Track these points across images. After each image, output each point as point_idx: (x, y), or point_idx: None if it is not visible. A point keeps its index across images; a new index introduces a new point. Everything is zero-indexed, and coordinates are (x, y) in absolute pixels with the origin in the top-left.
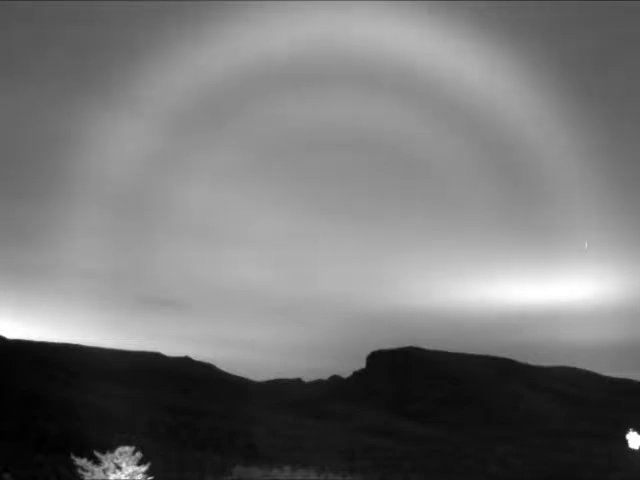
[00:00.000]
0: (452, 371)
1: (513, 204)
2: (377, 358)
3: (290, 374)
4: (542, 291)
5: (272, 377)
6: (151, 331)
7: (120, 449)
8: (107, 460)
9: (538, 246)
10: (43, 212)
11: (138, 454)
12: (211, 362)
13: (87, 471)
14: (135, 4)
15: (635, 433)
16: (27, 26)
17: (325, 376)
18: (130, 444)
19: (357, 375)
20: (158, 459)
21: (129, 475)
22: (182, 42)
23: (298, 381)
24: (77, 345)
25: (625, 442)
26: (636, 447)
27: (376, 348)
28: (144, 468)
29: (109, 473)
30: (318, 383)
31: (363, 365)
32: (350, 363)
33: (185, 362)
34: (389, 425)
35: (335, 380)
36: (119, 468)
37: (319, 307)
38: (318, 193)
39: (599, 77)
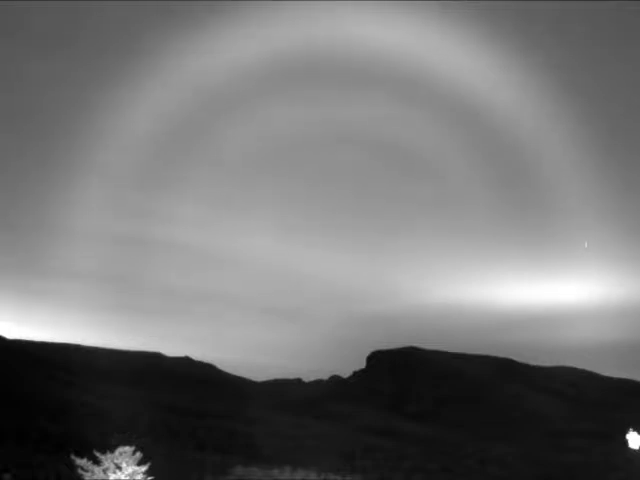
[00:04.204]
0: (452, 371)
1: (513, 204)
2: (377, 358)
3: (290, 374)
4: (542, 291)
5: (272, 377)
6: (151, 331)
7: (120, 449)
8: (107, 460)
9: (538, 246)
10: (43, 212)
11: (138, 454)
12: (211, 362)
13: (87, 471)
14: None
15: (635, 433)
16: None
17: (325, 376)
18: (130, 444)
19: (357, 375)
20: (158, 459)
21: (129, 475)
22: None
23: (298, 381)
24: (77, 345)
25: (625, 442)
26: (636, 447)
27: (376, 348)
28: (144, 468)
29: (109, 473)
30: (318, 383)
31: (363, 365)
32: (350, 363)
33: (185, 362)
34: (389, 425)
35: (335, 380)
36: (119, 468)
37: (319, 307)
38: (318, 193)
39: (600, 78)
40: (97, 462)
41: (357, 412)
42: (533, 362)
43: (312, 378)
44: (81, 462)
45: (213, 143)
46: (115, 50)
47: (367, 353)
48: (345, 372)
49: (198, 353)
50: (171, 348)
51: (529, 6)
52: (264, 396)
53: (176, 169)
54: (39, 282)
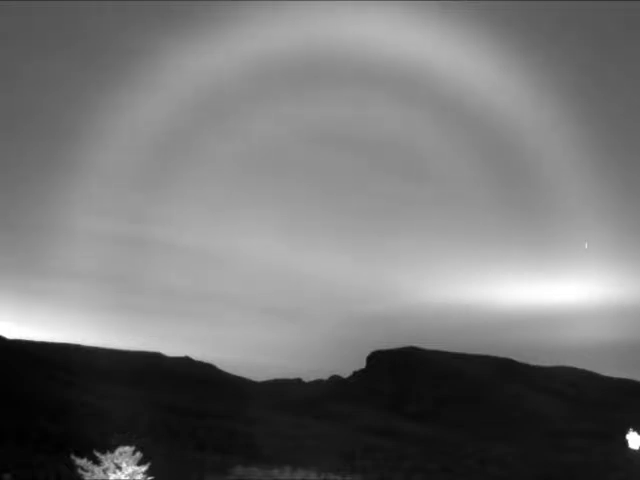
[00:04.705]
0: (452, 371)
1: (513, 204)
2: (377, 358)
3: (290, 374)
4: (542, 291)
5: (272, 377)
6: (151, 331)
7: (120, 449)
8: (107, 460)
9: (538, 246)
10: (43, 212)
11: (138, 454)
12: (211, 362)
13: (87, 471)
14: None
15: (635, 433)
16: None
17: (325, 376)
18: (130, 444)
19: (357, 375)
20: (158, 459)
21: (129, 475)
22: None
23: (298, 381)
24: (77, 345)
25: (625, 442)
26: (636, 447)
27: (376, 348)
28: (144, 468)
29: (109, 473)
30: (318, 383)
31: (363, 365)
32: (350, 363)
33: (185, 362)
34: (389, 425)
35: (335, 380)
36: (119, 468)
37: (319, 307)
38: (317, 193)
39: (599, 78)
40: (97, 462)
41: (357, 412)
42: (533, 362)
43: (312, 378)
44: (81, 462)
45: (213, 143)
46: (115, 50)
47: (367, 353)
48: (345, 372)
49: (198, 353)
50: (171, 348)
51: (529, 6)
52: (264, 396)
53: (176, 169)
54: (39, 282)
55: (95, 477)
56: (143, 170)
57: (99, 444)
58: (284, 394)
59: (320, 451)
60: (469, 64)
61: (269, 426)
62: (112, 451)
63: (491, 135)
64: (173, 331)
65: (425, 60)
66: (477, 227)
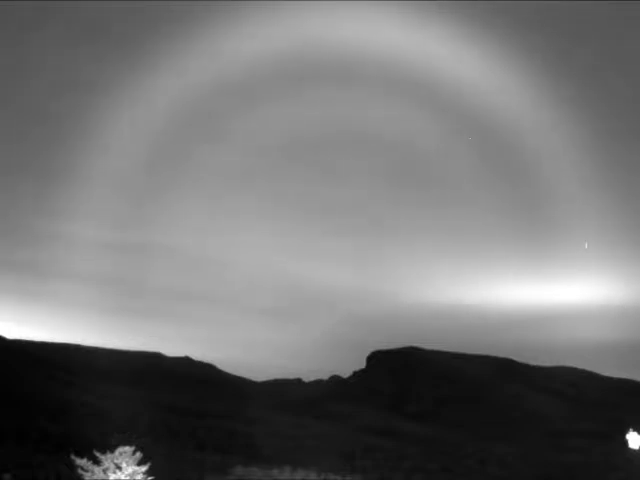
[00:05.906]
0: (452, 371)
1: (513, 205)
2: (377, 358)
3: (290, 374)
4: (542, 291)
5: (272, 377)
6: (151, 331)
7: (120, 449)
8: (107, 460)
9: (538, 246)
10: (44, 215)
11: (138, 454)
12: (211, 362)
13: (87, 471)
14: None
15: (635, 433)
16: None
17: (325, 376)
18: (130, 444)
19: (357, 375)
20: (158, 459)
21: (129, 475)
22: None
23: (298, 381)
24: (77, 345)
25: (625, 442)
26: (636, 447)
27: (376, 348)
28: (144, 468)
29: (109, 473)
30: (318, 383)
31: (363, 365)
32: (350, 363)
33: (185, 362)
34: (389, 425)
35: (335, 380)
36: (119, 468)
37: (319, 307)
38: (317, 194)
39: (599, 78)
40: (97, 462)
41: (357, 412)
42: (533, 362)
43: (312, 378)
44: (81, 462)
45: (212, 145)
46: (114, 52)
47: (367, 353)
48: (345, 372)
49: (198, 353)
50: (171, 348)
51: (530, 7)
52: (264, 396)
53: (175, 171)
54: (39, 283)
55: (95, 477)
56: (143, 173)
57: (99, 444)
58: (284, 394)
59: (320, 451)
60: (469, 64)
61: (269, 426)
62: (112, 451)
63: (491, 135)
64: (173, 331)
65: (425, 60)
66: (477, 227)
